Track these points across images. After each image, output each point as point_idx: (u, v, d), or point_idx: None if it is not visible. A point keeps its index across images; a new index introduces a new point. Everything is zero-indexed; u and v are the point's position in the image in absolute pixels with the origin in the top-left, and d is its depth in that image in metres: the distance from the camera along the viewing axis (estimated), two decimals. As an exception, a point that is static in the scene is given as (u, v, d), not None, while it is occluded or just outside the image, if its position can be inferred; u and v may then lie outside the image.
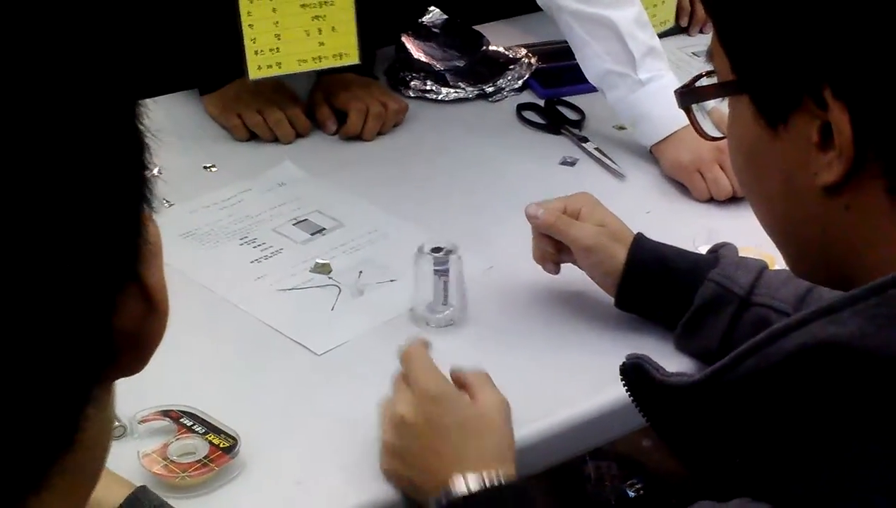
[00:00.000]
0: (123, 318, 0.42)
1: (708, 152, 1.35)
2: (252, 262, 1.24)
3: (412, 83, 1.63)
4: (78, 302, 0.39)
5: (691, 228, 1.25)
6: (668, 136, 1.39)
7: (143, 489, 0.82)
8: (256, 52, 1.44)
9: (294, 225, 1.31)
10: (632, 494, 2.01)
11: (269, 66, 1.46)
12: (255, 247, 1.27)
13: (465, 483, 0.87)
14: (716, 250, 1.09)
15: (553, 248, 1.12)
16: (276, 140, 1.51)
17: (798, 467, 0.62)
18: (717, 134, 0.85)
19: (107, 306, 0.41)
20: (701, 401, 0.71)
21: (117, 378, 0.44)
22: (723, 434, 0.71)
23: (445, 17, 1.72)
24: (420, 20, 1.71)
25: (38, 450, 0.39)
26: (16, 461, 0.39)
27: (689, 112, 0.82)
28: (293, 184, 1.40)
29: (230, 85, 1.54)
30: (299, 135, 1.52)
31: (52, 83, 0.38)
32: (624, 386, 0.81)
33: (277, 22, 1.44)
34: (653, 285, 1.07)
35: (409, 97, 1.62)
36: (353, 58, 1.49)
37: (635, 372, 0.78)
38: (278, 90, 1.54)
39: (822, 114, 0.66)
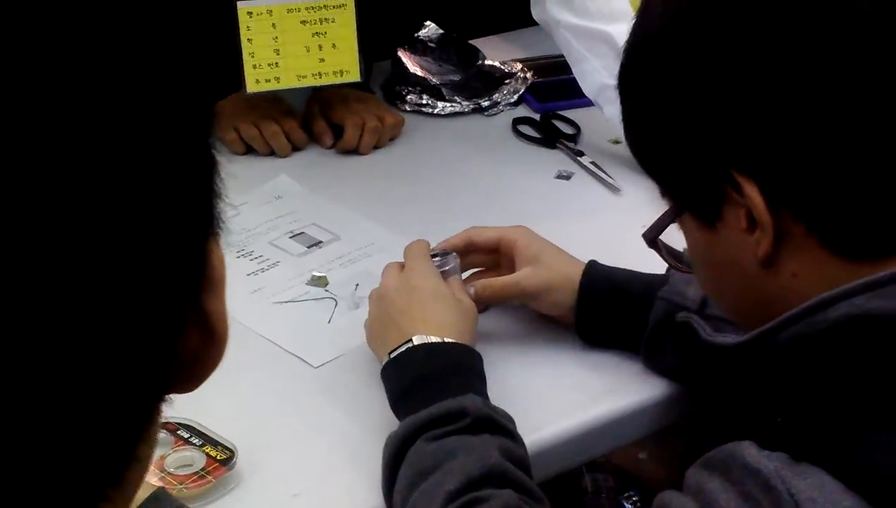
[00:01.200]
0: (182, 346, 0.41)
1: None
2: (249, 275, 1.24)
3: (408, 97, 1.64)
4: (138, 333, 0.38)
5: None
6: None
7: (162, 490, 0.82)
8: (255, 66, 1.45)
9: (290, 238, 1.32)
10: (628, 506, 2.01)
11: (268, 81, 1.46)
12: (251, 260, 1.27)
13: (425, 339, 0.97)
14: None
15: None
16: (272, 153, 1.51)
17: (836, 429, 0.65)
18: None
19: (168, 338, 0.40)
20: (744, 362, 0.75)
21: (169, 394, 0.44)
22: (765, 393, 0.74)
23: (441, 31, 1.73)
24: (416, 35, 1.72)
25: (88, 486, 0.39)
26: (82, 478, 0.39)
27: (658, 250, 0.88)
28: (290, 197, 1.41)
29: (226, 99, 1.54)
30: (296, 148, 1.52)
31: (127, 102, 0.37)
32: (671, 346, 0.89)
33: (277, 37, 1.45)
34: (608, 312, 1.07)
35: (406, 111, 1.62)
36: (353, 75, 1.50)
37: (683, 331, 0.81)
38: (275, 104, 1.54)
39: (742, 200, 0.72)
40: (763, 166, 0.71)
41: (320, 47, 1.47)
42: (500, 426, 0.90)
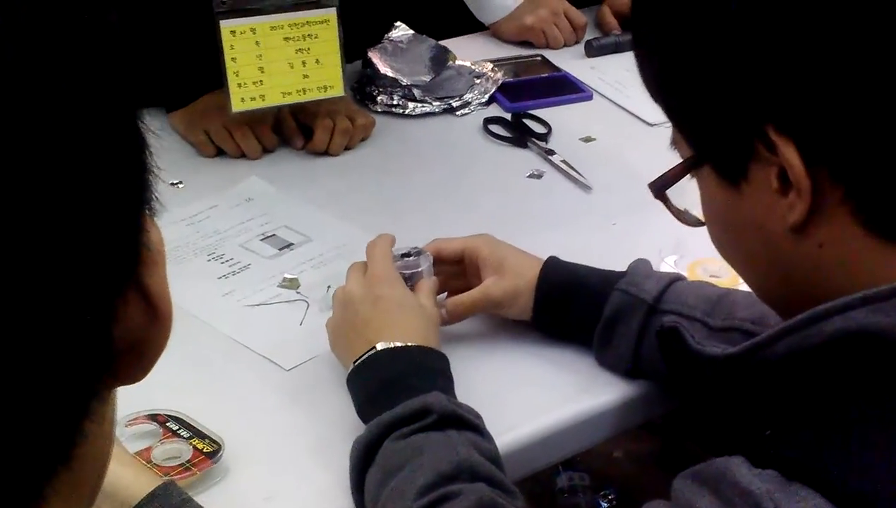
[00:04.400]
0: (124, 326, 0.40)
1: (547, 14, 1.81)
2: (220, 278, 1.23)
3: (379, 98, 1.64)
4: (76, 310, 0.37)
5: (657, 239, 1.26)
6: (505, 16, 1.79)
7: (170, 483, 0.81)
8: (239, 85, 1.43)
9: (262, 240, 1.31)
10: (605, 505, 2.02)
11: (253, 99, 1.45)
12: (222, 263, 1.26)
13: (388, 345, 0.96)
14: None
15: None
16: (243, 156, 1.50)
17: (827, 446, 0.63)
18: (700, 218, 0.82)
19: (106, 313, 0.39)
20: (734, 374, 0.72)
21: (116, 387, 0.43)
22: (754, 406, 0.71)
23: (412, 32, 1.73)
24: (387, 35, 1.72)
25: (34, 465, 0.38)
26: (11, 476, 0.38)
27: (665, 201, 0.83)
28: (260, 199, 1.40)
29: (196, 102, 1.53)
30: (266, 150, 1.52)
31: (49, 83, 0.36)
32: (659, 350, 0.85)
33: (260, 55, 1.43)
34: (564, 304, 1.06)
35: (376, 112, 1.62)
36: (337, 90, 1.49)
37: (672, 337, 0.79)
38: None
39: (775, 159, 0.68)
40: (805, 123, 0.66)
41: (304, 63, 1.46)
42: (467, 421, 0.89)
